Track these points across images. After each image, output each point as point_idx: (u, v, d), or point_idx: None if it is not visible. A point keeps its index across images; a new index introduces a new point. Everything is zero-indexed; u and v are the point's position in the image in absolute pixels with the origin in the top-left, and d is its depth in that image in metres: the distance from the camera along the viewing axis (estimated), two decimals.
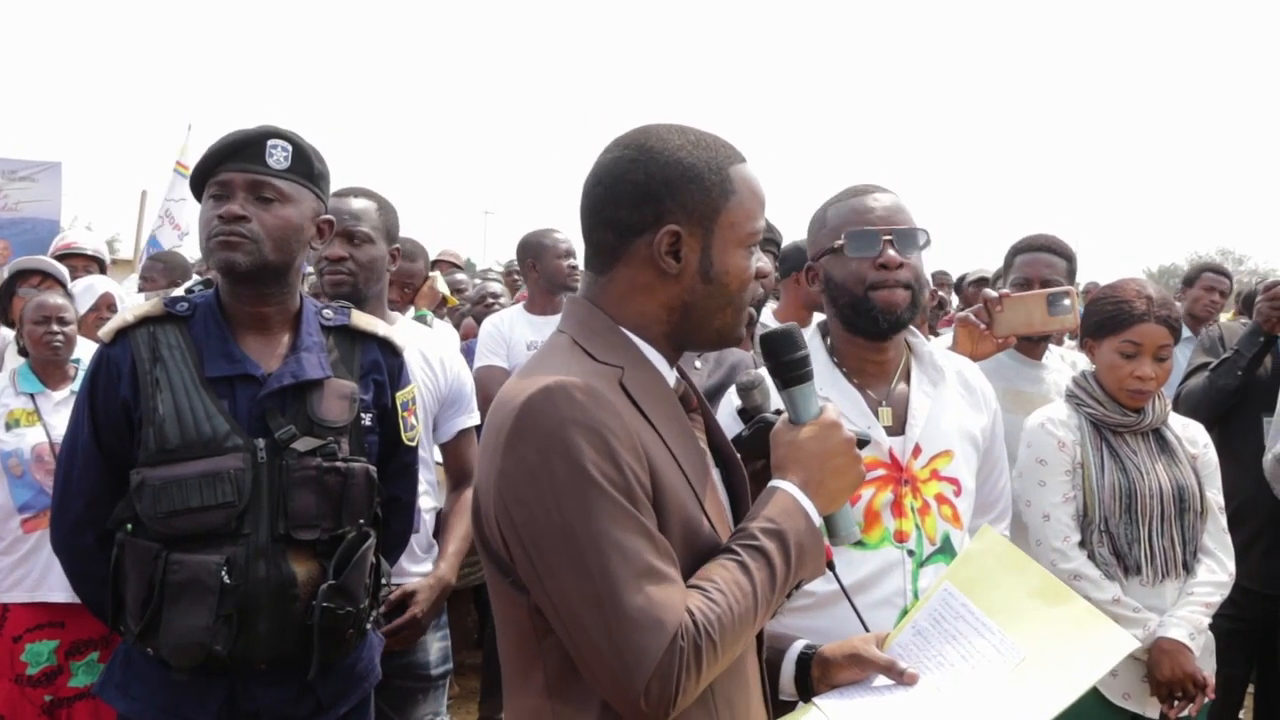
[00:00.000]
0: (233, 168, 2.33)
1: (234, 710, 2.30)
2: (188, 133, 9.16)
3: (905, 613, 2.28)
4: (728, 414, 2.36)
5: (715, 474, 1.72)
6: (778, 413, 1.78)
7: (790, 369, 1.67)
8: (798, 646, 1.82)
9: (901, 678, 1.75)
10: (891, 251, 2.32)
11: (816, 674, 1.81)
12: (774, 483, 1.61)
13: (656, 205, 1.57)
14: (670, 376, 1.64)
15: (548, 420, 1.45)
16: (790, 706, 1.81)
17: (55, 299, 3.90)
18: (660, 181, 1.57)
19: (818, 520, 1.59)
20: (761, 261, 1.65)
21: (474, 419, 3.37)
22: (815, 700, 1.76)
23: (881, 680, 1.76)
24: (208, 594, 2.22)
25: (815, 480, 1.61)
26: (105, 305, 4.63)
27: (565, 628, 1.45)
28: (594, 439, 1.44)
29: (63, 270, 4.93)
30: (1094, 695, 2.86)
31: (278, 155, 2.36)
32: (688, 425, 1.63)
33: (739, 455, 1.75)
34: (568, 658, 1.48)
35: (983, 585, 1.86)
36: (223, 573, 2.22)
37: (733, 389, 2.41)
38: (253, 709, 2.31)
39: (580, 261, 5.06)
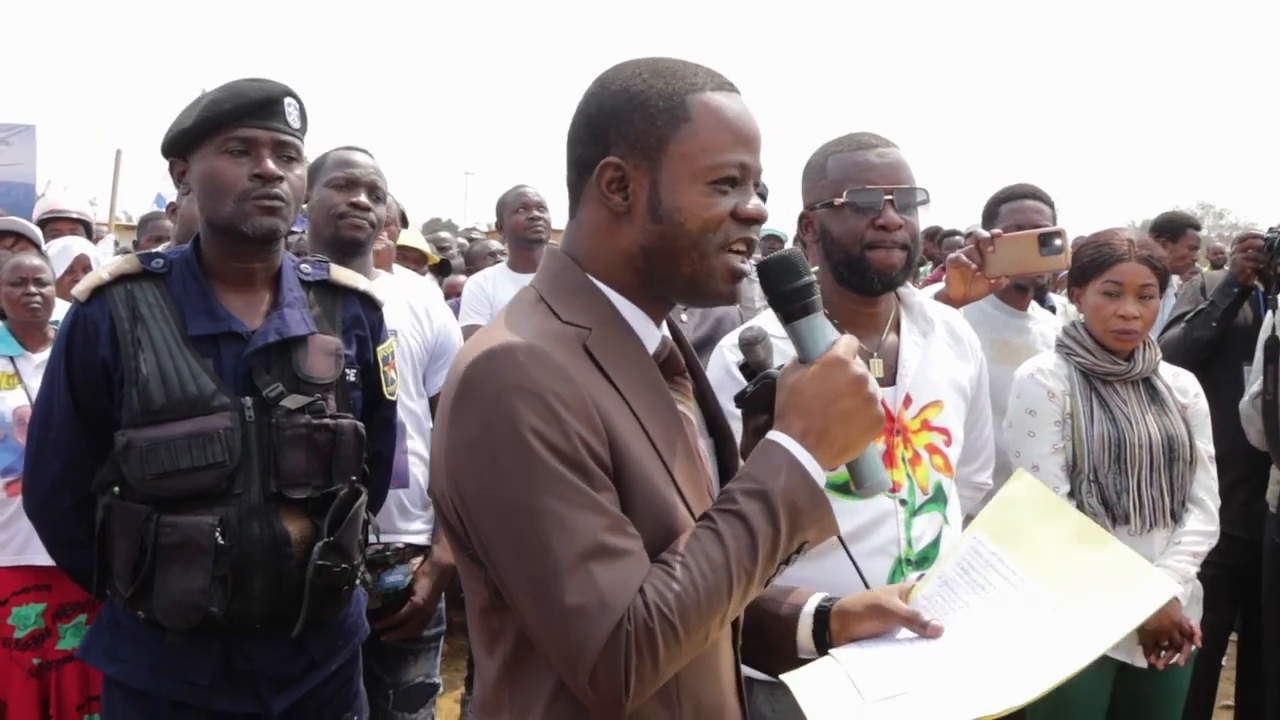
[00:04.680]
0: (255, 124, 2.28)
1: (228, 670, 2.29)
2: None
3: (899, 561, 2.29)
4: (720, 367, 2.36)
5: (704, 444, 1.61)
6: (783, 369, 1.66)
7: (791, 299, 1.48)
8: (815, 600, 1.68)
9: (925, 630, 1.59)
10: (892, 213, 2.29)
11: (835, 627, 1.65)
12: (769, 435, 1.45)
13: (602, 137, 1.46)
14: (652, 336, 1.52)
15: (489, 387, 1.34)
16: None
17: (32, 260, 3.86)
18: (607, 112, 1.46)
19: (818, 474, 1.41)
20: (752, 203, 1.49)
21: None
22: (831, 651, 1.62)
23: (904, 633, 1.62)
24: (202, 555, 2.20)
25: (817, 428, 1.42)
26: (81, 267, 4.58)
27: (513, 605, 1.36)
28: (538, 406, 1.33)
29: (36, 231, 4.89)
30: None
31: (293, 114, 2.34)
32: (664, 392, 1.50)
33: (743, 413, 1.60)
34: (523, 636, 1.41)
35: (1015, 533, 1.72)
36: (216, 533, 2.20)
37: (727, 343, 2.41)
38: (247, 668, 2.30)
39: (545, 213, 5.08)
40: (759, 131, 1.51)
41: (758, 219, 1.49)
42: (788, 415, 1.45)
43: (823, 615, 1.67)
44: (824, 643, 1.65)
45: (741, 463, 1.61)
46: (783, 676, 1.58)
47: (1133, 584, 1.64)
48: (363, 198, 3.10)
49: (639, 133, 1.45)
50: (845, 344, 1.48)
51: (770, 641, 1.68)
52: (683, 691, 1.44)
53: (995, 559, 1.69)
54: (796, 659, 1.66)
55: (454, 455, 1.39)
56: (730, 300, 1.53)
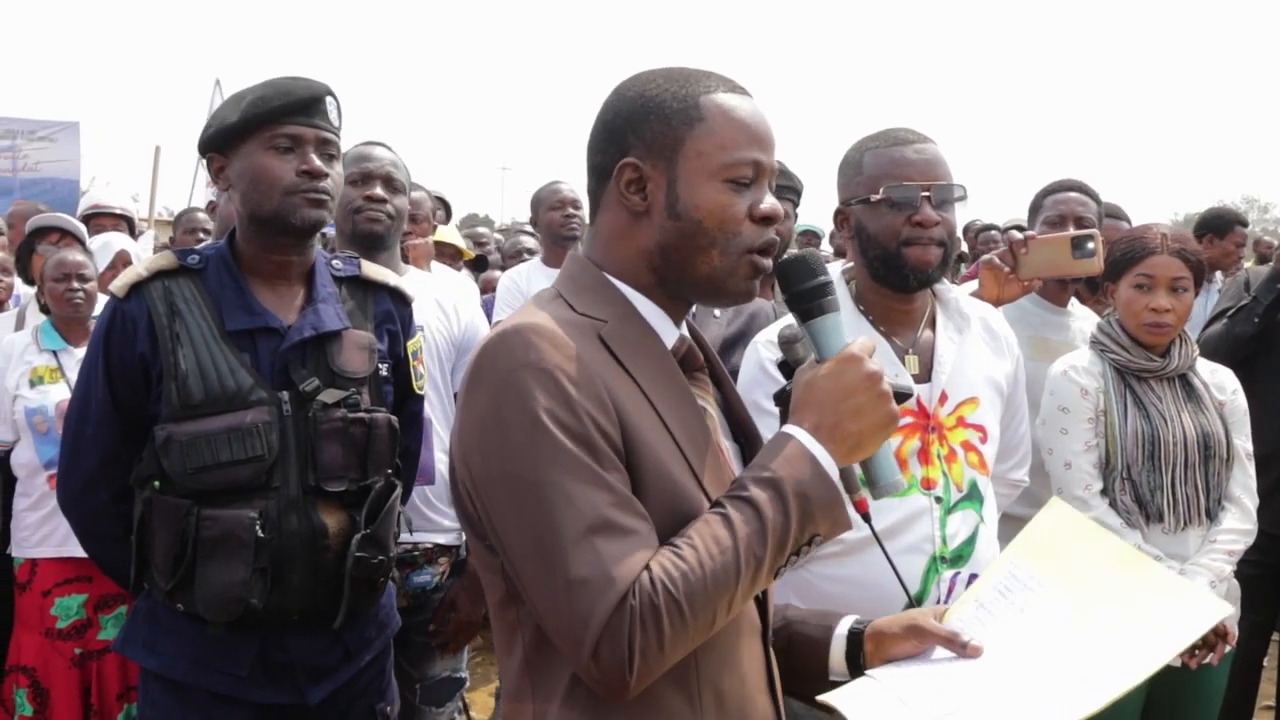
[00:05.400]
0: (301, 122, 2.31)
1: (266, 661, 2.31)
2: (216, 88, 9.14)
3: (934, 559, 2.28)
4: (753, 363, 2.35)
5: (729, 446, 1.62)
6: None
7: (806, 299, 1.51)
8: (847, 622, 1.68)
9: (964, 650, 1.57)
10: (929, 209, 2.27)
11: (870, 648, 1.64)
12: (783, 428, 1.47)
13: (620, 142, 1.51)
14: (670, 333, 1.54)
15: (501, 365, 1.38)
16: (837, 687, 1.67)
17: (75, 256, 3.91)
18: (624, 117, 1.51)
19: (831, 467, 1.42)
20: (766, 202, 1.51)
21: None
22: (869, 672, 1.61)
23: (939, 654, 1.61)
24: (243, 548, 2.22)
25: (829, 423, 1.44)
26: (122, 262, 4.63)
27: (520, 585, 1.37)
28: (548, 383, 1.35)
29: (80, 227, 4.95)
30: None
31: (333, 113, 2.38)
32: (685, 387, 1.52)
33: (781, 411, 1.59)
34: (540, 626, 1.40)
35: (1053, 558, 1.70)
36: (257, 526, 2.23)
37: (761, 339, 2.40)
38: (284, 660, 2.32)
39: (580, 210, 5.07)
40: (772, 131, 1.54)
41: (773, 218, 1.52)
42: (801, 409, 1.47)
43: (856, 637, 1.66)
44: (856, 664, 1.64)
45: None
46: (823, 698, 1.56)
47: (1180, 606, 1.62)
48: (378, 190, 3.14)
49: (655, 134, 1.49)
50: (861, 343, 1.51)
51: (802, 663, 1.67)
52: (702, 680, 1.44)
53: (1034, 582, 1.67)
54: (828, 681, 1.65)
55: (465, 434, 1.42)
56: (748, 298, 1.56)
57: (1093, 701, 1.47)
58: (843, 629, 1.67)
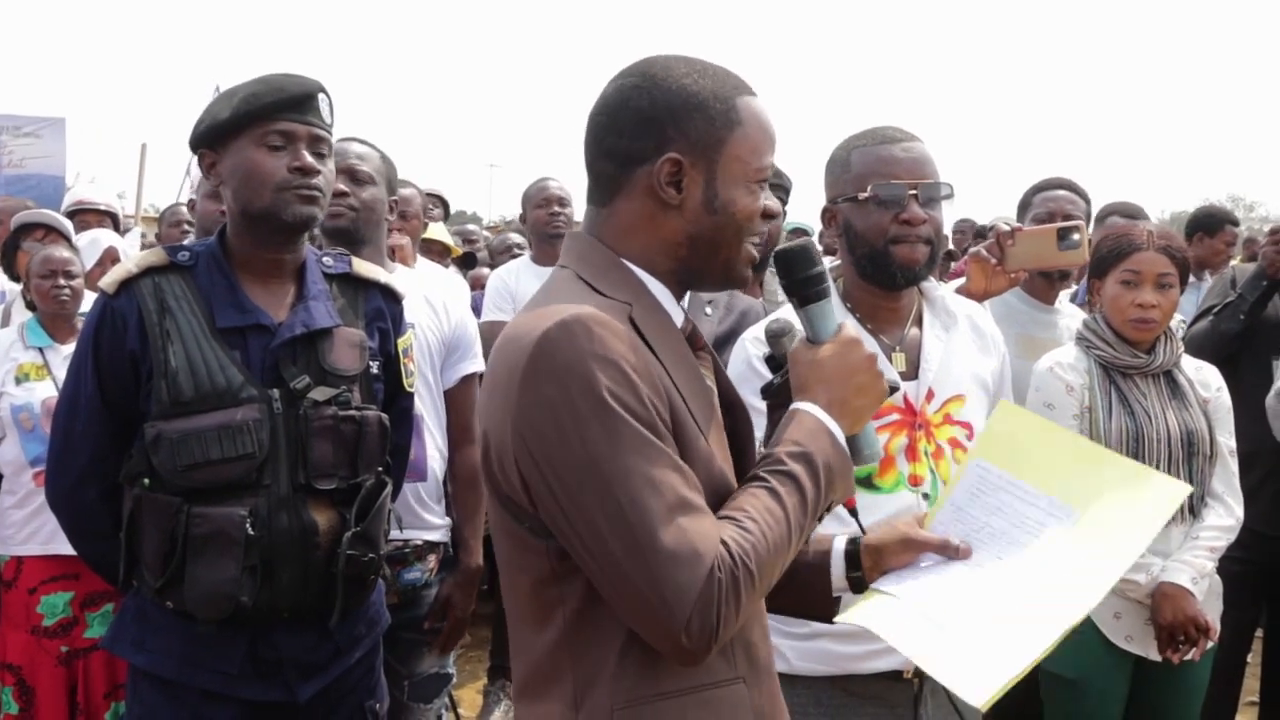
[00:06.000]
0: (294, 118, 2.31)
1: (256, 659, 2.31)
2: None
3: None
4: (741, 360, 2.36)
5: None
6: None
7: (806, 285, 1.63)
8: (841, 541, 1.79)
9: (956, 553, 1.72)
10: (916, 207, 2.29)
11: (868, 563, 1.76)
12: (795, 404, 1.58)
13: (659, 133, 1.53)
14: (678, 314, 1.61)
15: (566, 354, 1.41)
16: (838, 603, 1.79)
17: (61, 252, 3.89)
18: (663, 108, 1.53)
19: (843, 439, 1.56)
20: (769, 200, 1.62)
21: (478, 365, 3.35)
22: (876, 586, 1.73)
23: (932, 558, 1.74)
24: (233, 546, 2.22)
25: (838, 399, 1.57)
26: (110, 259, 4.61)
27: (598, 567, 1.41)
28: (614, 372, 1.41)
29: (67, 224, 4.92)
30: (1097, 637, 2.89)
31: (325, 110, 2.38)
32: (694, 364, 1.59)
33: (769, 404, 1.71)
34: (586, 602, 1.46)
35: (1016, 456, 1.80)
36: (247, 524, 2.22)
37: (749, 336, 2.42)
38: (274, 657, 2.32)
39: (566, 209, 5.03)
40: None
41: (775, 214, 1.65)
42: (812, 387, 1.59)
43: (853, 555, 1.77)
44: (856, 579, 1.76)
45: (758, 439, 1.72)
46: (847, 619, 1.69)
47: (1144, 489, 1.73)
48: (339, 185, 3.07)
49: (699, 133, 1.54)
50: (853, 327, 1.66)
51: (808, 587, 1.78)
52: (735, 637, 1.50)
53: (1004, 481, 1.78)
54: (832, 599, 1.78)
55: (528, 421, 1.44)
56: (746, 283, 1.67)
57: (1091, 596, 1.59)
58: (839, 548, 1.79)
